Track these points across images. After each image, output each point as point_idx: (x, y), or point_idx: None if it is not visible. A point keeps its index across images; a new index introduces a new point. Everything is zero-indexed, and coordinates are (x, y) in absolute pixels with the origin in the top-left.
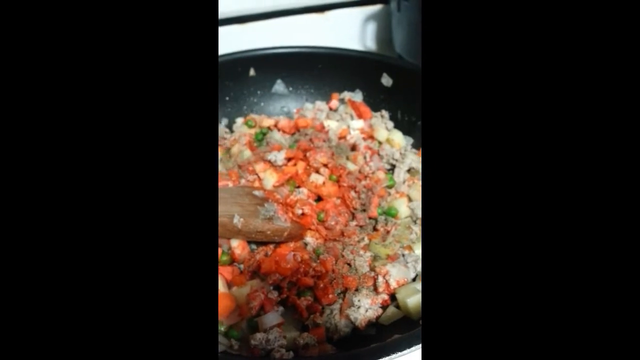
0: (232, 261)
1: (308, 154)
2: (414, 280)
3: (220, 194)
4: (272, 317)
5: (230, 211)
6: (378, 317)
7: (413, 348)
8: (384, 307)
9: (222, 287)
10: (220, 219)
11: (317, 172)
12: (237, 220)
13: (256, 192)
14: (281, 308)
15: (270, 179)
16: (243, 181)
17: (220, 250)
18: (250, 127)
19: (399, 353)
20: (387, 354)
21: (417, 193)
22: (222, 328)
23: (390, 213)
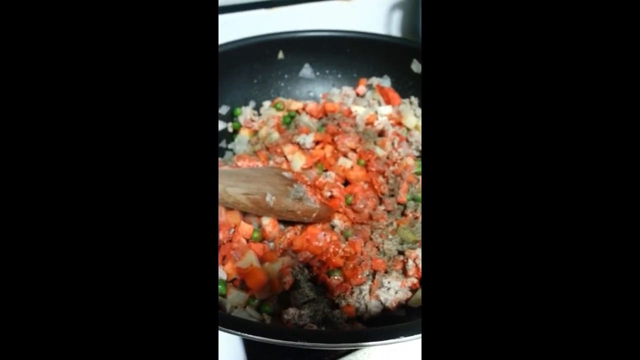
0: (263, 238)
1: (336, 138)
2: None
3: (252, 173)
4: (304, 294)
5: (262, 189)
6: (408, 300)
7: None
8: (413, 290)
9: (254, 262)
10: (254, 197)
11: (345, 156)
12: (270, 199)
13: (285, 174)
14: (312, 285)
15: (298, 161)
16: (271, 162)
17: (251, 228)
18: (279, 109)
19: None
20: (413, 334)
21: None
22: (254, 302)
23: (419, 199)
